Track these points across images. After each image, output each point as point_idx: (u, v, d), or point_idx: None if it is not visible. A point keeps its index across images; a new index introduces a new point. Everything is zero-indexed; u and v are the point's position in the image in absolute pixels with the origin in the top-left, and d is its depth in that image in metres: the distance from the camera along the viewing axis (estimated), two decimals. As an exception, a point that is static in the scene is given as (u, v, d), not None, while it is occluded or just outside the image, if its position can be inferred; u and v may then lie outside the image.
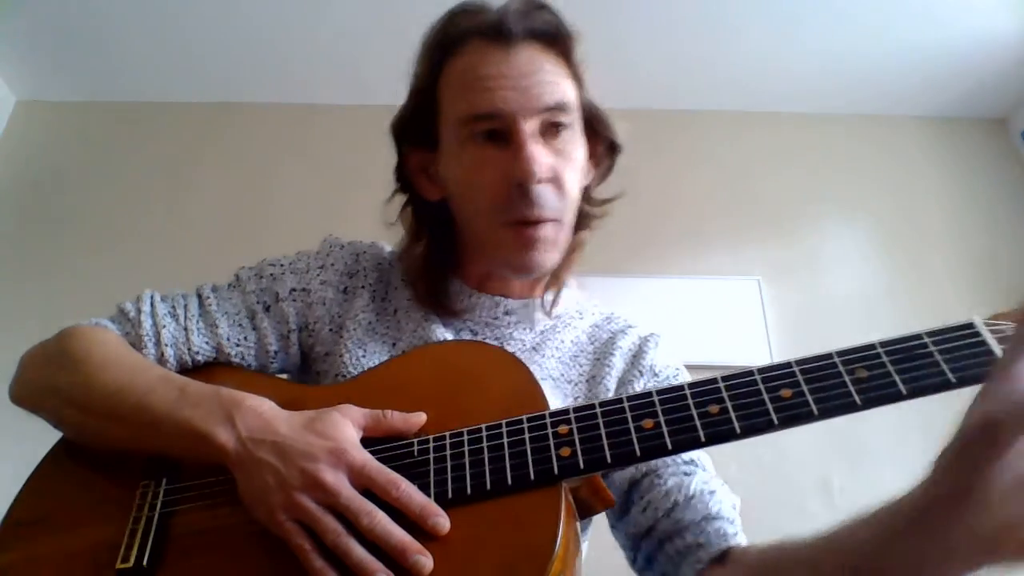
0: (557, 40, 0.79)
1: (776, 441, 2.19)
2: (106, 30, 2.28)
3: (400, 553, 0.54)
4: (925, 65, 2.33)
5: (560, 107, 0.77)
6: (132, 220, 2.35)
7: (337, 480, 0.57)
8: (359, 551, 0.55)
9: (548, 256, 0.78)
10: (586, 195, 0.86)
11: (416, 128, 0.83)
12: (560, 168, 0.77)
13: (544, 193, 0.75)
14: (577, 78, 0.81)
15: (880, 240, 2.33)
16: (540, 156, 0.74)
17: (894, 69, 2.36)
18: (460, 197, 0.81)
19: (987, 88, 2.39)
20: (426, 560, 0.54)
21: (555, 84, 0.77)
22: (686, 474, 0.74)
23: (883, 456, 1.99)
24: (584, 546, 0.79)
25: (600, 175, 0.88)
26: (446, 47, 0.79)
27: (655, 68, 2.36)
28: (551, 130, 0.77)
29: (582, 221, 0.86)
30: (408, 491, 0.57)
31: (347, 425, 0.61)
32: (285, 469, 0.58)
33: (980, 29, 2.20)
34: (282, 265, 0.86)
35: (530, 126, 0.74)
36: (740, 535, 0.70)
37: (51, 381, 0.74)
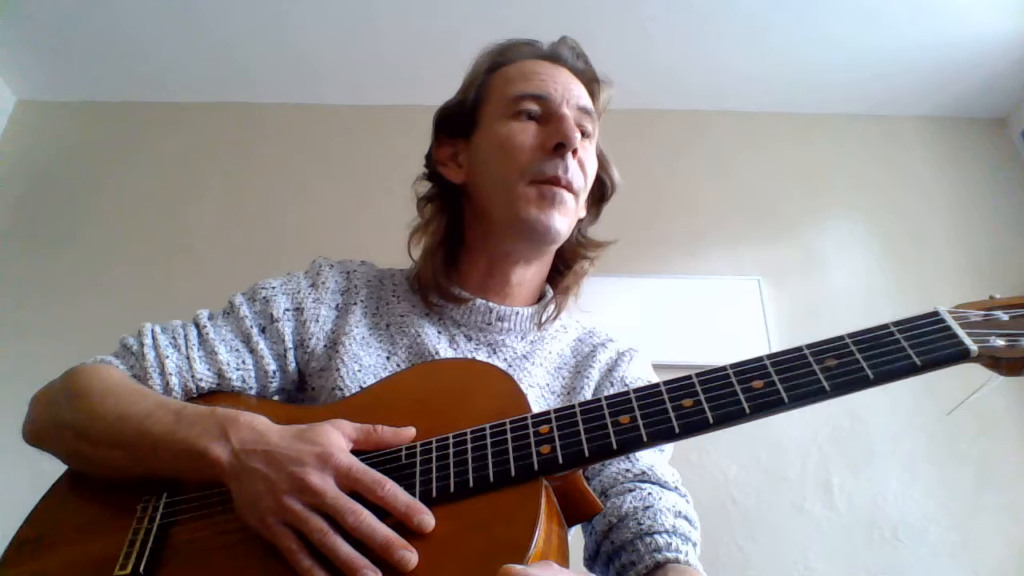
0: (591, 82, 0.94)
1: (776, 442, 2.17)
2: (106, 30, 2.29)
3: (385, 549, 0.55)
4: (925, 65, 2.33)
5: (590, 113, 0.90)
6: (133, 220, 2.36)
7: (323, 482, 0.59)
8: (345, 548, 0.56)
9: (562, 222, 0.85)
10: (580, 234, 0.95)
11: (456, 117, 0.93)
12: (584, 157, 0.87)
13: (574, 166, 0.85)
14: (596, 116, 0.93)
15: (880, 240, 2.32)
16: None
17: (894, 69, 2.36)
18: (490, 165, 0.87)
19: (987, 88, 2.39)
20: (411, 555, 0.55)
21: (588, 99, 0.91)
22: (629, 491, 0.77)
23: (883, 456, 1.99)
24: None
25: (591, 218, 0.98)
26: (503, 57, 0.93)
27: (655, 68, 2.36)
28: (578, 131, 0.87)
29: (579, 251, 0.96)
30: (393, 491, 0.59)
31: (336, 433, 0.63)
32: (275, 475, 0.60)
33: (980, 29, 2.19)
34: (274, 287, 0.89)
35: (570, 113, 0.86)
36: (677, 543, 0.71)
37: (58, 417, 0.77)
